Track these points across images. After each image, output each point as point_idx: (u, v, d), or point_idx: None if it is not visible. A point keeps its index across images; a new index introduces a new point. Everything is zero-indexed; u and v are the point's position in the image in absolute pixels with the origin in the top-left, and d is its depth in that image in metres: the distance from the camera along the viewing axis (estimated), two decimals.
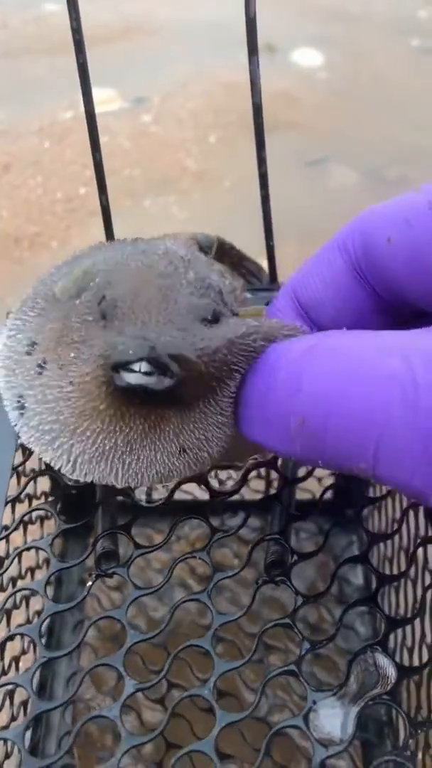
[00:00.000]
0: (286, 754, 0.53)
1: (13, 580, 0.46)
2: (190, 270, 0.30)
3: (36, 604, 0.53)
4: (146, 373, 0.25)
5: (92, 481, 0.29)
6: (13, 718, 0.45)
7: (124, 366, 0.25)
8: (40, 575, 0.54)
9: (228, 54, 1.49)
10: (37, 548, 0.35)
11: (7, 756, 0.43)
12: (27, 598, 0.51)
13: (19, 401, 0.31)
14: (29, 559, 0.51)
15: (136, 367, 0.25)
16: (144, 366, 0.25)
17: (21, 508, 0.41)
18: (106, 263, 0.34)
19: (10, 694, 0.44)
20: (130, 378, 0.25)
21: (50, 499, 0.52)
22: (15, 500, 0.39)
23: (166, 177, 1.15)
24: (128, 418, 0.27)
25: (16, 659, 0.47)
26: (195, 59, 1.47)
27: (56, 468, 0.30)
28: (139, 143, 1.22)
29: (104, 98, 1.35)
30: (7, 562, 0.37)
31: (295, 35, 1.54)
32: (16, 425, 0.31)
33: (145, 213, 1.07)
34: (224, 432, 0.29)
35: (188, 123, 1.29)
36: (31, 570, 0.52)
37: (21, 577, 0.49)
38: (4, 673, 0.42)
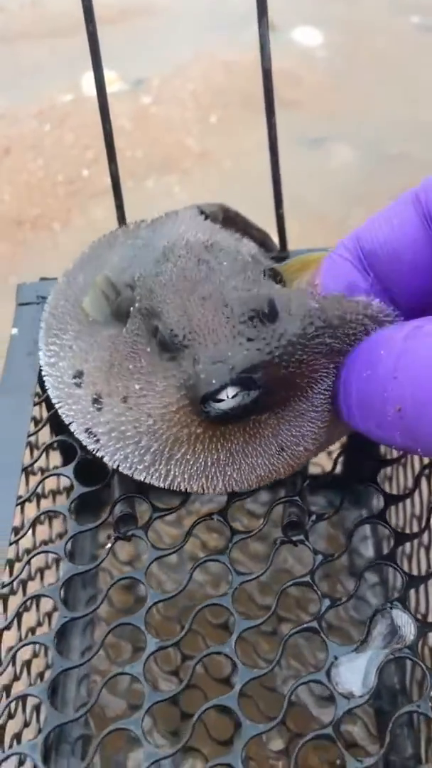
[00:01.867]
0: (300, 723, 0.54)
1: (28, 551, 0.46)
2: (221, 257, 0.30)
3: (50, 577, 0.53)
4: (234, 396, 0.26)
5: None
6: (31, 684, 0.46)
7: (212, 397, 0.26)
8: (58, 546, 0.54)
9: (227, 34, 1.48)
10: (57, 513, 0.35)
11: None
12: (41, 571, 0.51)
13: (89, 433, 0.32)
14: (43, 533, 0.51)
15: (223, 395, 0.26)
16: (230, 391, 0.26)
17: (34, 480, 0.41)
18: (127, 270, 0.34)
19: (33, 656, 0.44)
20: (222, 405, 0.26)
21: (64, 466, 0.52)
22: (29, 471, 0.39)
23: (167, 157, 1.15)
24: (228, 434, 0.28)
25: (32, 630, 0.47)
26: (193, 40, 1.46)
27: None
28: (140, 125, 1.22)
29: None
30: (21, 532, 0.38)
31: (294, 14, 1.52)
32: (93, 449, 0.32)
33: (147, 193, 1.07)
34: (318, 426, 0.30)
35: (188, 103, 1.28)
36: (45, 542, 0.53)
37: (35, 547, 0.49)
38: (20, 640, 0.43)
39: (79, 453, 0.37)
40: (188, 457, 0.28)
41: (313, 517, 0.35)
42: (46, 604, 0.53)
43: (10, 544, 0.34)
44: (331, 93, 1.33)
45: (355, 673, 0.31)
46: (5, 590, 0.32)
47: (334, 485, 0.64)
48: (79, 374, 0.32)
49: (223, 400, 0.26)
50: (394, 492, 0.54)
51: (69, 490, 0.54)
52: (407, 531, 0.49)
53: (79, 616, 0.32)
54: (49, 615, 0.53)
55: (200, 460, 0.28)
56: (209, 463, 0.29)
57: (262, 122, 1.39)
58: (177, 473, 0.29)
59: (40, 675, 0.49)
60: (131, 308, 0.31)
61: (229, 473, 0.29)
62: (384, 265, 0.30)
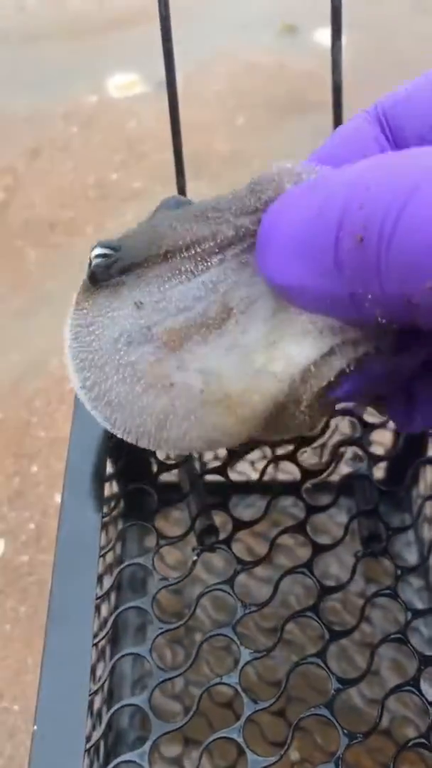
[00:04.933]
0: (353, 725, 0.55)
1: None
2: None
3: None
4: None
5: None
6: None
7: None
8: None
9: (249, 35, 1.48)
10: (142, 524, 0.36)
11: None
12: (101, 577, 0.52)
13: None
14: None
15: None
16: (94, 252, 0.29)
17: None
18: None
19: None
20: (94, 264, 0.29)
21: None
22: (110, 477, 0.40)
23: (195, 160, 1.15)
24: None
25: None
26: (215, 41, 1.46)
27: None
28: (167, 126, 1.22)
29: (127, 83, 1.35)
30: (109, 541, 0.38)
31: (315, 15, 1.52)
32: None
33: None
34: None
35: (214, 105, 1.28)
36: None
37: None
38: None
39: (155, 466, 0.38)
40: None
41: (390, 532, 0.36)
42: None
43: (100, 556, 0.35)
44: (356, 94, 1.33)
45: None
46: (98, 601, 0.33)
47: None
48: None
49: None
50: None
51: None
52: None
53: (173, 627, 0.33)
54: (105, 620, 0.54)
55: None
56: None
57: (289, 124, 1.40)
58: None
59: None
60: None
61: None
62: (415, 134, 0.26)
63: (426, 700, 0.31)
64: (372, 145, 0.27)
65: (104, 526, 0.38)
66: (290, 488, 0.40)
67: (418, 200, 0.19)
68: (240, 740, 0.29)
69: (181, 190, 0.47)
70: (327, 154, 0.28)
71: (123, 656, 0.32)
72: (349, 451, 0.49)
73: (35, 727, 0.29)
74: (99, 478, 0.38)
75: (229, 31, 1.50)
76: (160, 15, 0.40)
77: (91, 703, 0.31)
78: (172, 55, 0.42)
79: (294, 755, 0.51)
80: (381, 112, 0.28)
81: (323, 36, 1.50)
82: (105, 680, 0.32)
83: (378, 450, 0.47)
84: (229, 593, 0.34)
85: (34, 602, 0.65)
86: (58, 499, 0.68)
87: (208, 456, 0.54)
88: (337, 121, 0.44)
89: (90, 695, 0.30)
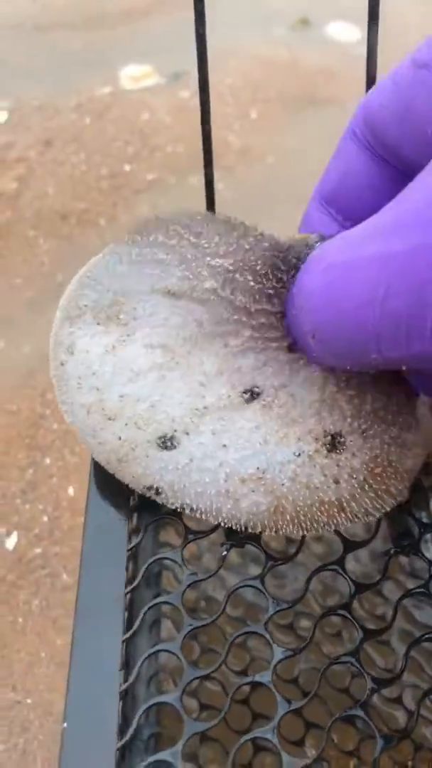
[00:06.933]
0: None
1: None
2: None
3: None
4: None
5: None
6: None
7: None
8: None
9: (263, 29, 1.47)
10: (169, 518, 0.36)
11: None
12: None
13: None
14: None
15: None
16: None
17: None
18: None
19: None
20: None
21: None
22: None
23: None
24: None
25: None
26: (229, 33, 1.45)
27: None
28: (180, 119, 1.21)
29: (141, 74, 1.34)
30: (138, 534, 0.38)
31: (330, 9, 1.51)
32: None
33: (190, 189, 1.07)
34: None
35: (227, 98, 1.27)
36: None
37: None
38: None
39: None
40: None
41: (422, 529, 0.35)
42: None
43: (128, 550, 0.34)
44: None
45: None
46: (129, 596, 0.33)
47: None
48: None
49: None
50: None
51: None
52: None
53: (203, 624, 0.32)
54: (133, 616, 0.53)
55: None
56: None
57: (302, 118, 1.40)
58: None
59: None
60: None
61: None
62: (349, 210, 0.31)
63: None
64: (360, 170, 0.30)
65: (131, 520, 0.37)
66: None
67: (340, 307, 0.24)
68: (275, 741, 0.29)
69: (210, 185, 0.46)
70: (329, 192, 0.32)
71: (154, 653, 0.32)
72: None
73: (65, 725, 0.28)
74: None
75: (243, 26, 1.49)
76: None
77: (122, 701, 0.30)
78: (205, 40, 0.41)
79: (311, 752, 0.50)
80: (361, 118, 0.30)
81: (337, 31, 1.49)
82: (135, 677, 0.31)
83: None
84: (260, 589, 0.33)
85: (47, 595, 0.65)
86: (71, 491, 0.68)
87: None
88: None
89: (121, 692, 0.30)
